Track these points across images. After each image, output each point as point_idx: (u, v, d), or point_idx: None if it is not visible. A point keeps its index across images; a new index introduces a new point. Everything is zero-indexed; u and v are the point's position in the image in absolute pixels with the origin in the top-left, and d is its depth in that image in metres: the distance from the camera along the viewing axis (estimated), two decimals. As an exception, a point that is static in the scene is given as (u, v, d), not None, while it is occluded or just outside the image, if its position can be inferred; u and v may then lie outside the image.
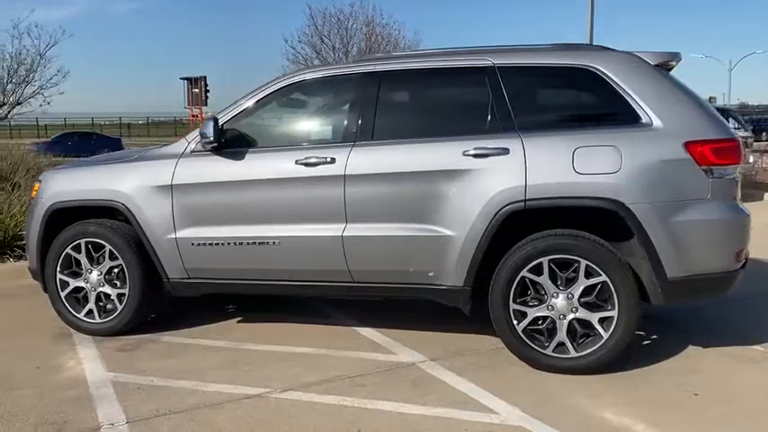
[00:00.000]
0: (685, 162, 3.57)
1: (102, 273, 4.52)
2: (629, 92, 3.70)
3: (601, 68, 3.78)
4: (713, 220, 3.60)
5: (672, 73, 4.04)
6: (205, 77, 29.01)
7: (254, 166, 4.19)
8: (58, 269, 4.58)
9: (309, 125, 4.51)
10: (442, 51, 4.19)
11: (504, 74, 3.91)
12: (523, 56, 4.01)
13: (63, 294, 4.60)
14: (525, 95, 3.93)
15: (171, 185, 4.30)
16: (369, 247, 4.01)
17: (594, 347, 3.69)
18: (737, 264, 3.69)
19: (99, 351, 4.27)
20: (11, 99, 19.83)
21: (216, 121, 4.16)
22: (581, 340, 3.72)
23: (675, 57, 3.96)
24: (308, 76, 4.32)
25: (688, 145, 3.58)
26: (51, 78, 20.26)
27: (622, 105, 3.71)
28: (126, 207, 4.37)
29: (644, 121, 3.67)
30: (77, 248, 4.53)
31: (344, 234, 4.01)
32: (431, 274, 3.93)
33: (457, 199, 3.81)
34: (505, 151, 3.76)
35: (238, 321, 4.87)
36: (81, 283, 4.57)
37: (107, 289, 4.52)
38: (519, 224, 3.78)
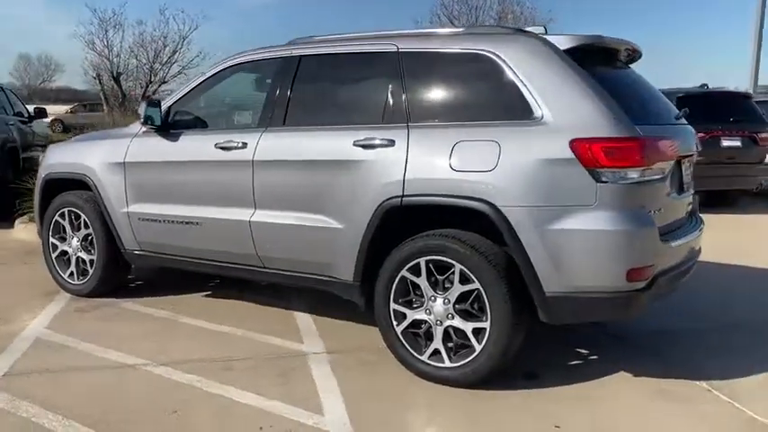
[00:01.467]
0: (569, 162, 3.09)
1: (79, 239, 4.98)
2: (525, 81, 3.27)
3: (500, 55, 3.38)
4: (596, 231, 3.08)
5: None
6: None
7: (184, 147, 4.35)
8: (50, 233, 5.12)
9: (235, 109, 4.56)
10: (356, 36, 4.00)
11: (405, 60, 3.65)
12: (428, 41, 3.70)
13: (53, 256, 5.14)
14: (423, 84, 3.62)
15: (124, 163, 4.61)
16: (272, 234, 4.00)
17: (467, 360, 3.37)
18: (632, 284, 3.12)
19: (61, 310, 4.73)
20: (157, 78, 22.17)
21: (151, 102, 4.37)
22: (458, 350, 3.42)
23: (595, 40, 3.42)
24: (242, 59, 4.36)
25: (574, 143, 3.09)
26: (192, 60, 22.57)
27: (516, 96, 3.29)
28: (92, 181, 4.76)
29: (535, 114, 3.23)
30: (63, 216, 5.04)
31: (252, 219, 4.04)
32: (327, 266, 3.83)
33: (346, 191, 3.66)
34: (391, 143, 3.53)
35: (204, 296, 5.10)
36: (66, 247, 5.08)
37: (83, 254, 4.98)
38: (409, 221, 3.54)
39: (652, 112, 3.59)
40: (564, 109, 3.18)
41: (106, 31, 23.23)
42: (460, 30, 3.73)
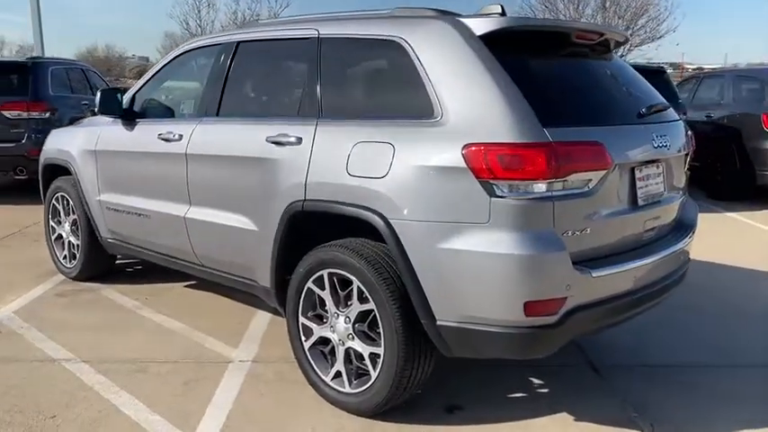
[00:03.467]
0: (461, 172, 2.59)
1: (69, 224, 5.07)
2: (428, 73, 2.79)
3: (408, 41, 2.90)
4: (488, 254, 2.55)
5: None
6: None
7: (137, 137, 4.24)
8: (49, 216, 5.26)
9: (181, 98, 4.35)
10: (287, 20, 3.64)
11: (324, 47, 3.26)
12: (347, 25, 3.27)
13: (52, 239, 5.28)
14: (336, 74, 3.21)
15: (95, 151, 4.59)
16: (203, 232, 3.79)
17: (364, 387, 2.99)
18: (533, 319, 2.58)
19: (43, 294, 4.84)
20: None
21: (106, 91, 4.29)
22: (358, 375, 3.05)
23: (519, 23, 2.83)
24: (194, 45, 4.15)
25: (466, 149, 2.59)
26: None
27: (417, 91, 2.80)
28: (73, 168, 4.80)
29: (434, 113, 2.73)
30: (57, 200, 5.14)
31: (186, 216, 3.86)
32: (249, 270, 3.57)
33: (260, 191, 3.36)
34: (299, 141, 3.17)
35: (186, 286, 5.01)
36: (61, 231, 5.19)
37: (72, 238, 5.07)
38: (319, 226, 3.19)
39: (605, 110, 2.98)
40: (464, 108, 2.67)
41: (199, 11, 23.85)
42: (383, 12, 3.26)
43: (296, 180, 3.14)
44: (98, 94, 4.27)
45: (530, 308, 2.54)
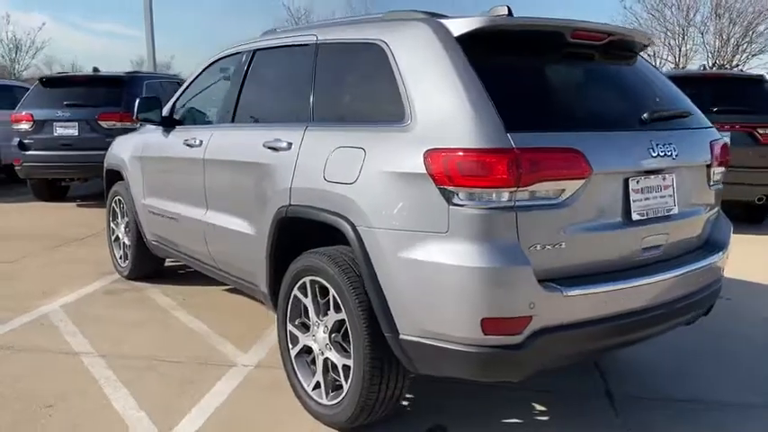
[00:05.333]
0: (422, 178, 2.44)
1: (124, 226, 5.35)
2: (403, 76, 2.67)
3: (388, 44, 2.80)
4: (445, 266, 2.38)
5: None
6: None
7: (169, 144, 4.39)
8: (109, 218, 5.58)
9: (208, 105, 4.42)
10: (299, 27, 3.63)
11: (320, 52, 3.23)
12: (341, 30, 3.21)
13: (111, 239, 5.60)
14: (327, 78, 3.14)
15: (141, 157, 4.82)
16: (216, 235, 3.86)
17: (337, 400, 2.90)
18: (492, 338, 2.37)
19: (94, 291, 5.12)
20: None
21: (143, 99, 4.47)
22: (335, 387, 2.96)
23: (498, 23, 2.62)
24: (223, 53, 4.24)
25: (428, 154, 2.44)
26: None
27: (392, 95, 2.69)
28: (124, 173, 5.06)
29: (405, 117, 2.60)
30: (115, 203, 5.45)
31: (203, 219, 3.95)
32: (251, 274, 3.59)
33: (256, 195, 3.38)
34: (289, 146, 3.15)
35: (224, 290, 5.12)
36: (118, 232, 5.49)
37: (126, 239, 5.34)
38: (308, 232, 3.14)
39: (592, 115, 2.73)
40: (430, 112, 2.53)
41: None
42: (375, 15, 3.18)
43: (284, 185, 3.12)
44: (136, 101, 4.47)
45: (488, 325, 2.35)
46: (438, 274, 2.41)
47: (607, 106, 2.86)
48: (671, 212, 2.78)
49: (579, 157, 2.42)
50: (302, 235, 3.13)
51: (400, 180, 2.53)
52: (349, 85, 3.11)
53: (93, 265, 5.82)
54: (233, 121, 3.80)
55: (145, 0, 14.37)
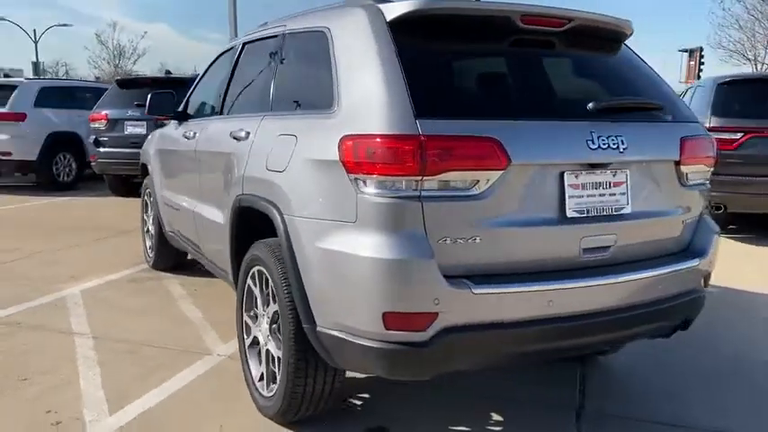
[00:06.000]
0: (335, 166, 2.37)
1: (151, 218, 5.57)
2: (337, 62, 2.60)
3: (330, 30, 2.75)
4: (350, 256, 2.28)
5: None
6: (701, 48, 26.44)
7: (176, 136, 4.52)
8: (143, 211, 5.82)
9: (208, 98, 4.47)
10: (280, 18, 3.61)
11: (285, 42, 3.22)
12: (304, 19, 3.16)
13: (143, 230, 5.84)
14: (285, 67, 3.13)
15: (159, 150, 5.00)
16: (200, 224, 3.95)
17: (273, 393, 2.87)
18: (394, 333, 2.23)
19: (119, 278, 5.36)
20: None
21: (156, 94, 4.62)
22: (274, 379, 2.93)
23: (425, 6, 2.49)
24: (226, 47, 4.32)
25: (342, 141, 2.36)
26: None
27: (327, 81, 2.63)
28: (149, 166, 5.27)
29: (333, 104, 2.53)
30: (148, 195, 5.68)
31: (194, 209, 4.04)
32: (224, 262, 3.61)
33: (224, 185, 3.42)
34: (247, 135, 3.17)
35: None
36: (148, 225, 5.72)
37: (153, 230, 5.56)
38: (260, 222, 3.13)
39: (523, 104, 2.56)
40: (352, 98, 2.45)
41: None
42: (335, 2, 3.11)
43: (239, 174, 3.14)
44: (149, 96, 4.64)
45: (390, 320, 2.24)
46: (345, 265, 2.33)
47: (546, 96, 2.66)
48: (622, 212, 2.54)
49: (494, 146, 2.26)
50: (255, 224, 3.12)
51: (320, 168, 2.47)
52: (300, 74, 3.08)
53: (132, 255, 6.09)
54: (220, 112, 3.87)
55: (230, 6, 15.02)
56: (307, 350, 2.62)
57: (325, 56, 2.71)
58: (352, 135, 2.33)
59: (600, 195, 2.49)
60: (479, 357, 2.39)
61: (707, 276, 2.87)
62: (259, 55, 3.58)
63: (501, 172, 2.27)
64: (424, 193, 2.21)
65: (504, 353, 2.43)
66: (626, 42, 3.04)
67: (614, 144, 2.46)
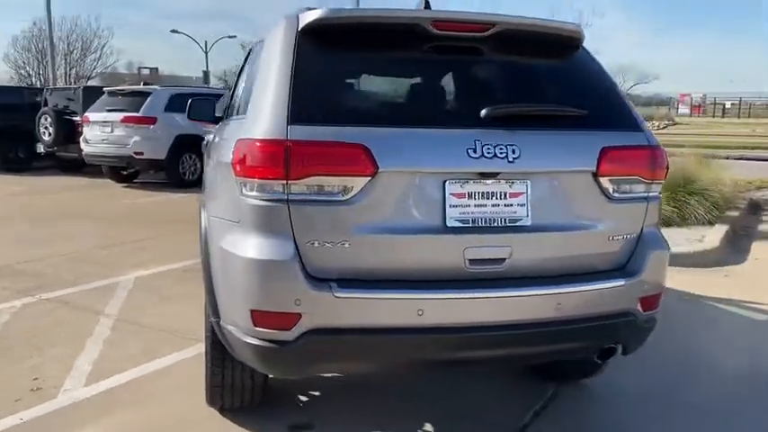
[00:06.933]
0: (229, 168, 2.49)
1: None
2: (259, 70, 2.73)
3: (264, 40, 2.91)
4: (229, 254, 2.41)
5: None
6: None
7: (209, 139, 4.85)
8: (200, 208, 6.28)
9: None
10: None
11: (254, 50, 3.43)
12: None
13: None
14: (244, 75, 3.38)
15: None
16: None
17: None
18: (261, 331, 2.30)
19: (181, 266, 5.82)
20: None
21: (196, 101, 4.97)
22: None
23: (330, 14, 2.51)
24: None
25: (235, 145, 2.48)
26: None
27: (250, 87, 2.79)
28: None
29: (248, 108, 2.66)
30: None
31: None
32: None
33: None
34: (213, 138, 3.41)
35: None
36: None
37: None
38: None
39: (405, 111, 2.60)
40: (253, 105, 2.57)
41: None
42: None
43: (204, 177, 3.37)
44: (189, 102, 5.01)
45: (257, 318, 2.33)
46: (229, 263, 2.46)
47: (437, 104, 2.59)
48: (518, 223, 2.42)
49: (360, 152, 2.27)
50: None
51: (222, 170, 2.64)
52: (247, 81, 3.24)
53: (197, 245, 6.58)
54: (233, 113, 4.12)
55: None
56: (219, 342, 2.77)
57: (257, 64, 2.86)
58: (240, 139, 2.46)
59: (493, 206, 2.39)
60: (347, 361, 2.40)
61: (649, 299, 2.63)
62: (247, 62, 3.80)
63: (368, 178, 2.28)
64: (291, 197, 2.28)
65: (373, 359, 2.42)
66: (584, 47, 2.87)
67: (502, 153, 2.35)
